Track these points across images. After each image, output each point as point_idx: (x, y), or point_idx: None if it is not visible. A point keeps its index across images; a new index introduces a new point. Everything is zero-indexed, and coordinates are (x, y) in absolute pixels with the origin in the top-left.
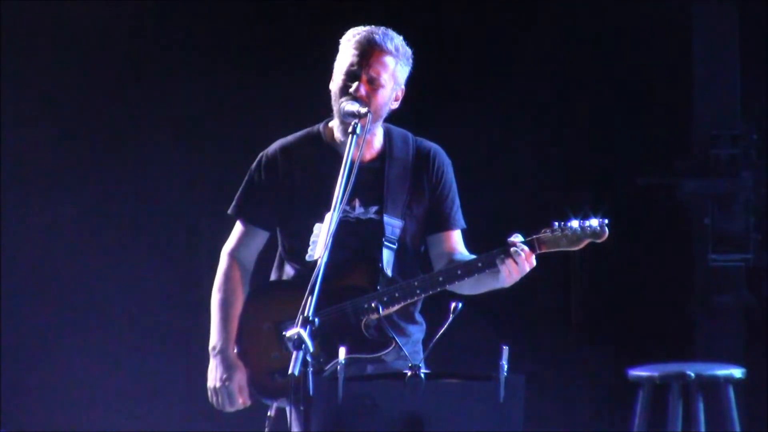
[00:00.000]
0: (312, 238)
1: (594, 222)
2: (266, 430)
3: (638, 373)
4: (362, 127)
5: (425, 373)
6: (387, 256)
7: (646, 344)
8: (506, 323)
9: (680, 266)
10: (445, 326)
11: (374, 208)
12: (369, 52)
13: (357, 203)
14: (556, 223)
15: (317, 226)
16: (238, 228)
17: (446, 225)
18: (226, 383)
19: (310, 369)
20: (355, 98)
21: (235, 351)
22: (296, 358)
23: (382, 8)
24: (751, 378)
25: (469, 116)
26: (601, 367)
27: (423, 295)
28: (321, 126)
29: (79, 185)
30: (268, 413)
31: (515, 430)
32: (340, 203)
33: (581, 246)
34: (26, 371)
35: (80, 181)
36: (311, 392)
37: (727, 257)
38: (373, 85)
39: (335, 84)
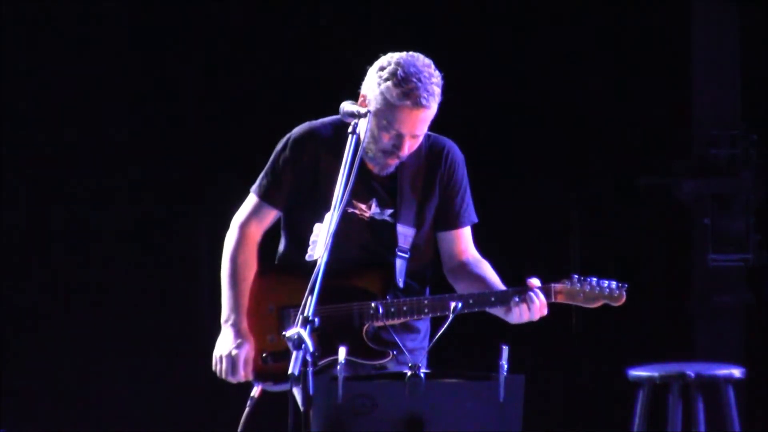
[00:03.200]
0: (312, 238)
1: (613, 284)
2: (246, 410)
3: (638, 373)
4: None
5: (425, 373)
6: (399, 265)
7: (646, 344)
8: (506, 323)
9: (680, 266)
10: (445, 326)
11: (389, 211)
12: (415, 117)
13: (374, 203)
14: (576, 276)
15: (317, 226)
16: (254, 204)
17: (455, 222)
18: (233, 352)
19: (311, 369)
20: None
21: None
22: (296, 358)
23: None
24: (751, 378)
25: (470, 116)
26: (601, 367)
27: (430, 315)
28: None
29: (78, 185)
30: (252, 394)
31: (515, 429)
32: (340, 204)
33: (596, 305)
34: (26, 371)
35: (79, 181)
36: (311, 392)
37: (727, 257)
38: (415, 140)
39: (375, 130)
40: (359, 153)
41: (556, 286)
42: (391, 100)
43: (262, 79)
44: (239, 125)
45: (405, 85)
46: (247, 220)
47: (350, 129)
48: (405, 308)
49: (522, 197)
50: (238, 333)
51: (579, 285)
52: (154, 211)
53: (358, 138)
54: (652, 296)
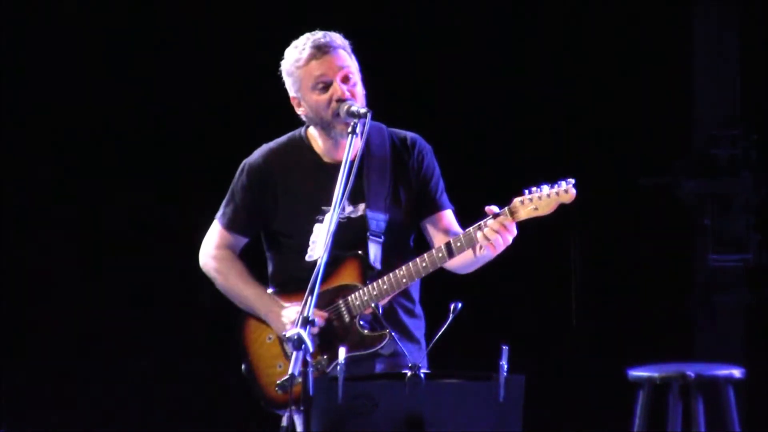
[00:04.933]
0: (312, 238)
1: (562, 183)
2: None
3: (638, 373)
4: (362, 126)
5: (425, 373)
6: (374, 250)
7: (646, 344)
8: (506, 323)
9: (680, 266)
10: (445, 326)
11: (362, 205)
12: (326, 56)
13: (346, 203)
14: (527, 190)
15: (317, 227)
16: (219, 232)
17: (435, 207)
18: (293, 317)
19: (311, 369)
20: (346, 100)
21: (243, 368)
22: (296, 358)
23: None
24: (751, 378)
25: (470, 116)
26: (601, 367)
27: (410, 283)
28: (302, 132)
29: (76, 184)
30: (282, 423)
31: (515, 430)
32: (340, 202)
33: (552, 209)
34: (26, 371)
35: (77, 180)
36: (311, 392)
37: (727, 257)
38: (348, 81)
39: (315, 103)
40: (346, 157)
41: (513, 206)
42: (300, 63)
43: (266, 82)
44: (241, 125)
45: (300, 45)
46: (218, 247)
47: (349, 129)
48: (386, 286)
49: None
50: (279, 307)
51: (530, 198)
52: (156, 212)
53: (362, 137)
54: (652, 296)
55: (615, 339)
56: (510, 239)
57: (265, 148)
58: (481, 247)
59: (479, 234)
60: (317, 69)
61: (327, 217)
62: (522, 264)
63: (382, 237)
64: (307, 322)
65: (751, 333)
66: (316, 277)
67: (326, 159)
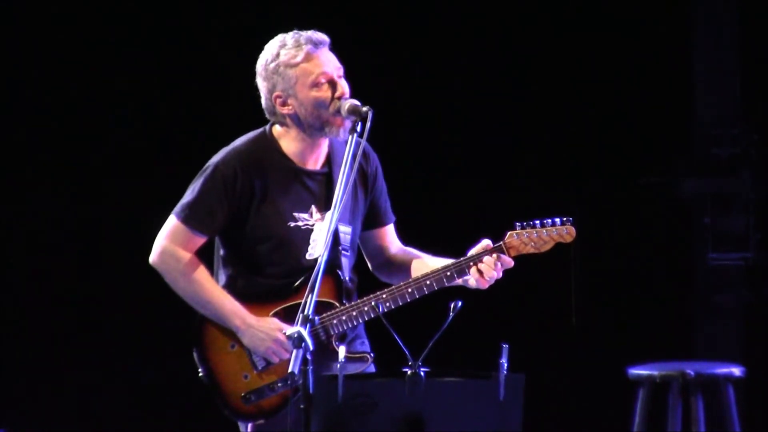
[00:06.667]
0: (312, 237)
1: (557, 221)
2: None
3: (638, 372)
4: (362, 125)
5: (425, 372)
6: (345, 264)
7: (646, 344)
8: (506, 322)
9: (680, 266)
10: (446, 325)
11: (327, 215)
12: (324, 53)
13: (314, 210)
14: (519, 224)
15: (318, 226)
16: (181, 231)
17: (384, 220)
18: (278, 337)
19: (311, 368)
20: (348, 98)
21: (200, 374)
22: (296, 357)
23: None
24: (751, 378)
25: (469, 116)
26: (601, 367)
27: (393, 307)
28: (267, 130)
29: (76, 183)
30: None
31: (515, 429)
32: (340, 203)
33: (549, 248)
34: (25, 371)
35: (77, 179)
36: (311, 391)
37: (727, 257)
38: (342, 79)
39: (313, 101)
40: (346, 157)
41: (506, 242)
42: (297, 61)
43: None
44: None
45: (291, 42)
46: (182, 247)
47: (350, 128)
48: (366, 308)
49: (521, 197)
50: (257, 323)
51: (526, 235)
52: (152, 211)
53: (359, 136)
54: (652, 296)
55: (615, 339)
56: (501, 274)
57: (235, 149)
58: (468, 278)
59: (473, 269)
60: (318, 66)
61: (328, 215)
62: (522, 263)
63: (350, 251)
64: (307, 320)
65: (751, 332)
66: (316, 276)
67: (298, 163)
